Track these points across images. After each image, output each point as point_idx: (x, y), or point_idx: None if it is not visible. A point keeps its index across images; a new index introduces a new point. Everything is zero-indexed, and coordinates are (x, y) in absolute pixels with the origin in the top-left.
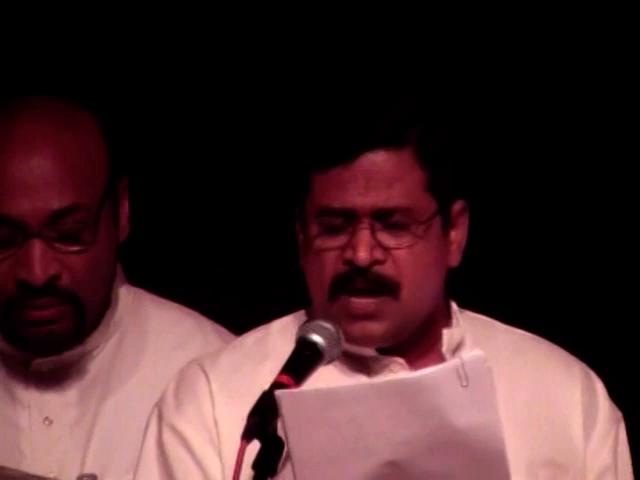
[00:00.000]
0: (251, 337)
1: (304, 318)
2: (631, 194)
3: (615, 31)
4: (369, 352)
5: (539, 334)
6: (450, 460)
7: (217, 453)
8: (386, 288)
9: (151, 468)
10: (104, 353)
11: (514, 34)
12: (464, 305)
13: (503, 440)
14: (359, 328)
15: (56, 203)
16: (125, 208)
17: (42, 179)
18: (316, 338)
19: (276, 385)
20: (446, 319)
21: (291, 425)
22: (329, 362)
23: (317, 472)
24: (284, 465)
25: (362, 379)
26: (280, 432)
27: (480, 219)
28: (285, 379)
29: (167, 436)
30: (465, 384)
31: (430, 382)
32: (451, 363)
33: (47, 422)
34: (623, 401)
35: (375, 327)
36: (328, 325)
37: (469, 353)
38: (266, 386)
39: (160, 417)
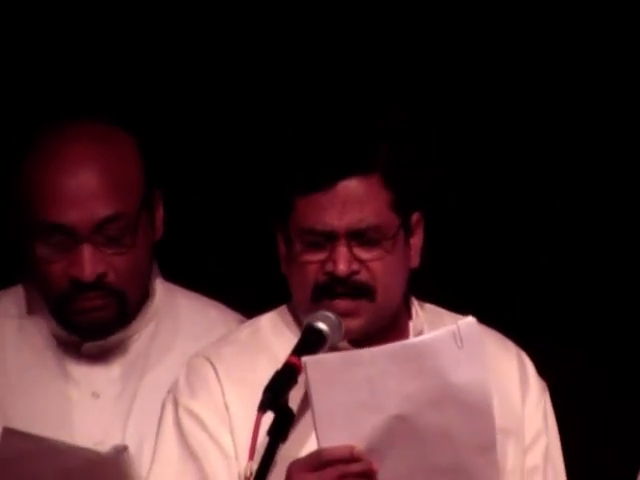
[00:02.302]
0: (244, 332)
1: (287, 313)
2: (631, 194)
3: (615, 31)
4: (344, 345)
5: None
6: (447, 413)
7: (229, 431)
8: (363, 293)
9: (171, 446)
10: (143, 338)
11: (514, 33)
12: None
13: (491, 394)
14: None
15: (102, 212)
16: (160, 213)
17: (90, 192)
18: (321, 326)
19: (288, 366)
20: (406, 311)
21: (315, 387)
22: (331, 346)
23: (336, 427)
24: (293, 432)
25: None
26: (291, 404)
27: (480, 219)
28: (295, 360)
29: (184, 418)
30: (460, 345)
31: (432, 344)
32: (449, 327)
33: (94, 396)
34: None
35: (354, 323)
36: (331, 315)
37: (463, 320)
38: (265, 374)
39: (176, 403)
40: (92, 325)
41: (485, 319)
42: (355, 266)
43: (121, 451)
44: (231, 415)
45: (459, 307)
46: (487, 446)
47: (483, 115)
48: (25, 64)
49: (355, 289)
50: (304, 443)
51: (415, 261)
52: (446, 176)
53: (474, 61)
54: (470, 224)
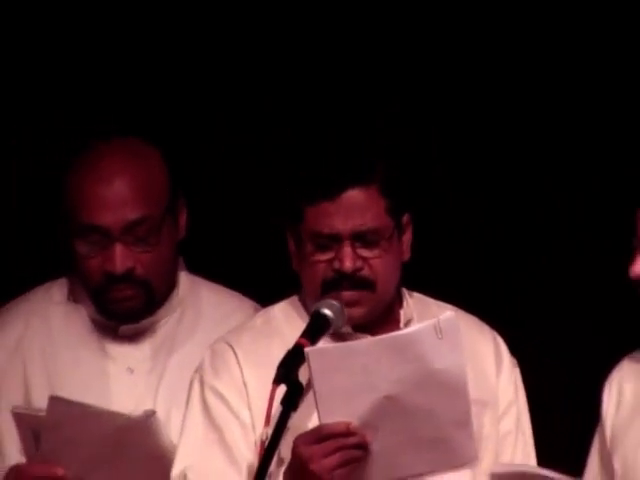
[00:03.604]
0: (259, 319)
1: (297, 303)
2: (631, 194)
3: (614, 33)
4: (347, 329)
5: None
6: (430, 393)
7: (247, 406)
8: (366, 285)
9: (197, 421)
10: (170, 322)
11: (514, 34)
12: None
13: (466, 377)
14: (347, 312)
15: (131, 216)
16: (183, 216)
17: (121, 199)
18: (327, 312)
19: (297, 346)
20: (398, 300)
21: (316, 373)
22: (335, 330)
23: (335, 407)
24: (302, 403)
25: None
26: (301, 378)
27: (480, 219)
28: (304, 341)
29: (209, 396)
30: (440, 337)
31: (416, 335)
32: (431, 321)
33: (129, 371)
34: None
35: (358, 311)
36: (335, 302)
37: (443, 315)
38: (278, 356)
39: (202, 382)
40: (124, 312)
41: (485, 318)
42: (359, 263)
43: (150, 415)
44: (249, 392)
45: (459, 306)
46: (463, 421)
47: (483, 115)
48: (57, 86)
49: (359, 283)
50: (311, 414)
51: (406, 255)
52: (446, 176)
53: (474, 62)
54: (470, 224)
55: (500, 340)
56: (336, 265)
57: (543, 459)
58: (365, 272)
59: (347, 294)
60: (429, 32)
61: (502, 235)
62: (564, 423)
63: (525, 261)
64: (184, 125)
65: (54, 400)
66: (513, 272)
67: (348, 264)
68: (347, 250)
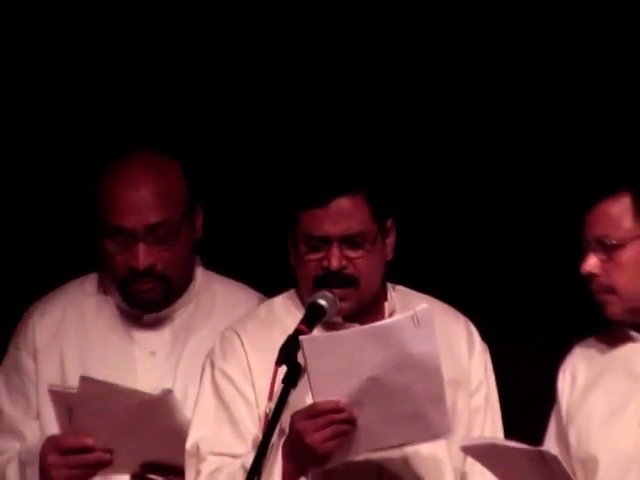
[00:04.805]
0: (262, 310)
1: (295, 296)
2: (578, 202)
3: (613, 34)
4: (338, 319)
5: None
6: (408, 375)
7: (251, 386)
8: (350, 283)
9: (208, 399)
10: (187, 312)
11: (513, 35)
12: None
13: (440, 360)
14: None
15: (153, 219)
16: (199, 220)
17: (145, 204)
18: (322, 302)
19: (297, 332)
20: (383, 294)
21: (310, 358)
22: (328, 318)
23: (326, 387)
24: (299, 383)
25: None
26: (299, 360)
27: (480, 219)
28: (302, 328)
29: (219, 377)
30: (417, 326)
31: (396, 325)
32: (409, 313)
33: (151, 354)
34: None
35: (345, 306)
36: (329, 294)
37: (419, 307)
38: (278, 342)
39: (212, 365)
40: (145, 302)
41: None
42: (344, 262)
43: (167, 393)
44: (253, 374)
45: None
46: (438, 398)
47: (483, 116)
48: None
49: (344, 280)
50: (308, 393)
51: (389, 255)
52: (446, 176)
53: (474, 62)
54: (470, 224)
55: (473, 328)
56: (325, 264)
57: (510, 432)
58: (349, 270)
59: (335, 291)
60: (429, 32)
61: (502, 235)
62: (528, 401)
63: (525, 261)
64: (183, 125)
65: (84, 380)
66: (513, 272)
67: (335, 263)
68: (335, 251)
